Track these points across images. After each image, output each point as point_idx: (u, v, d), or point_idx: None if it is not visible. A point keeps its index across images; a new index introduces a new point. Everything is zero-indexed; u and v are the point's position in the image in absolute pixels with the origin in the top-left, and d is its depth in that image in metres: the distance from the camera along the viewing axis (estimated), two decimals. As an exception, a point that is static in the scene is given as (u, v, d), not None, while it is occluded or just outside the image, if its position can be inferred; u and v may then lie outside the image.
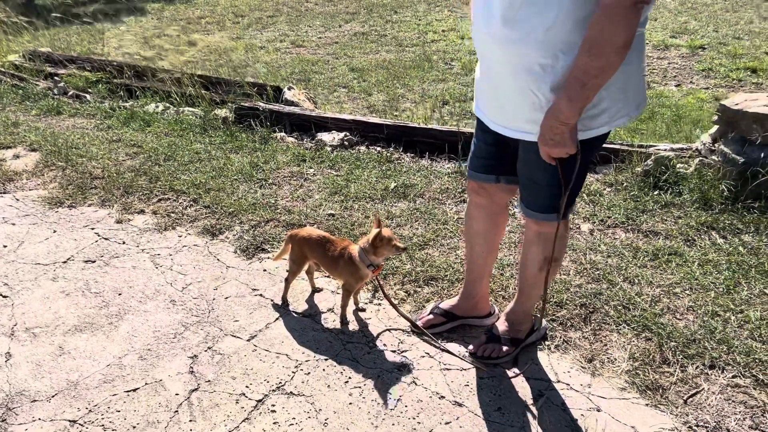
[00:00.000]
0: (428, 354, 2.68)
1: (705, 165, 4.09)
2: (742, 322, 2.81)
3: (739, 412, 2.37)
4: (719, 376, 2.53)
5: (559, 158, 2.10)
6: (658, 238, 3.50)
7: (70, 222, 3.76)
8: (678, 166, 4.20)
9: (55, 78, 6.58)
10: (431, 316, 2.84)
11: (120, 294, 3.08)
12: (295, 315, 2.94)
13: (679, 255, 3.33)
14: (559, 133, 1.99)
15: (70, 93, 6.24)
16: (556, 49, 1.92)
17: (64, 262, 3.34)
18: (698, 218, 3.66)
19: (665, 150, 4.39)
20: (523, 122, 2.12)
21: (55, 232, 3.65)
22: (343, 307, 2.86)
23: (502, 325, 2.70)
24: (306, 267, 2.99)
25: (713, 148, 4.20)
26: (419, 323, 2.81)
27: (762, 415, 2.35)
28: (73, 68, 6.76)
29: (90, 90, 6.32)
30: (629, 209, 3.79)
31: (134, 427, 2.31)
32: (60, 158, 4.60)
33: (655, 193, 3.97)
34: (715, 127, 4.27)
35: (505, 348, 2.64)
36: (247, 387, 2.50)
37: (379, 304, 3.01)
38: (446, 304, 2.87)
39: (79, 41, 9.67)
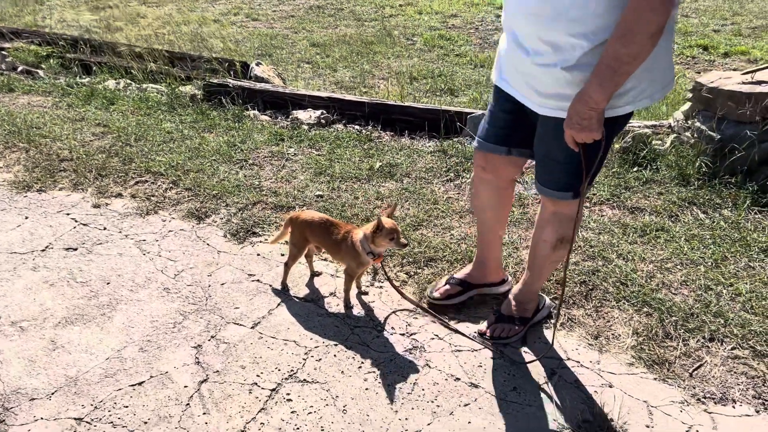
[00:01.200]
0: (437, 336, 2.67)
1: (681, 142, 4.20)
2: (733, 295, 2.91)
3: (742, 382, 2.45)
4: (719, 349, 2.61)
5: (582, 143, 2.10)
6: (644, 215, 3.58)
7: (41, 207, 3.54)
8: (654, 143, 4.30)
9: (3, 52, 6.16)
10: (448, 287, 2.85)
11: (108, 283, 2.93)
12: (297, 300, 2.87)
13: (665, 231, 3.42)
14: (587, 118, 1.97)
15: (20, 69, 5.86)
16: (587, 29, 1.89)
17: (43, 250, 3.16)
18: (679, 194, 3.76)
19: (640, 127, 4.48)
20: (546, 97, 2.10)
21: (27, 218, 3.43)
22: (346, 291, 2.81)
23: (510, 305, 2.71)
24: (306, 251, 2.92)
25: (687, 125, 4.30)
26: (436, 294, 2.83)
27: (763, 384, 2.44)
28: (21, 42, 6.34)
29: (42, 65, 5.94)
30: (612, 186, 3.86)
31: (145, 423, 2.22)
32: (21, 139, 4.31)
33: (635, 170, 4.05)
34: (688, 104, 4.38)
35: (514, 327, 2.66)
36: (258, 376, 2.43)
37: (381, 287, 2.97)
38: (461, 273, 2.89)
39: (18, 12, 9.08)
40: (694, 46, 8.25)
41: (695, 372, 2.51)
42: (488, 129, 2.49)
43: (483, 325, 2.70)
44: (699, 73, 7.04)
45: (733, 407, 2.35)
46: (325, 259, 3.12)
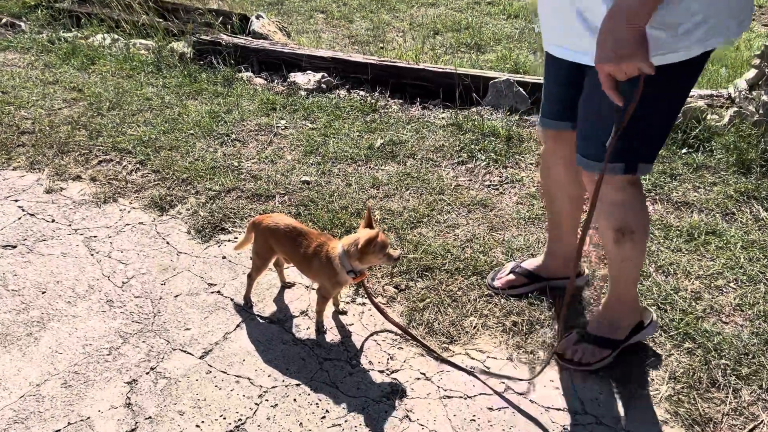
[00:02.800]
0: (424, 375, 2.17)
1: (742, 118, 3.51)
2: (802, 327, 2.32)
3: (810, 455, 1.91)
4: (781, 404, 2.06)
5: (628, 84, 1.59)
6: (692, 212, 2.97)
7: (-11, 191, 3.11)
8: (709, 118, 3.62)
9: (-14, 2, 5.70)
10: (512, 276, 2.50)
11: (44, 292, 2.50)
12: (261, 320, 2.39)
13: (717, 235, 2.81)
14: (625, 40, 1.48)
15: (3, 21, 5.38)
16: None
17: (-22, 247, 2.74)
18: (737, 185, 3.12)
19: (693, 98, 3.78)
20: (587, 39, 1.66)
21: (-31, 205, 3.01)
22: (319, 312, 2.32)
23: (597, 323, 2.23)
24: (273, 260, 2.42)
25: (750, 96, 3.60)
26: (497, 283, 2.50)
27: (838, 459, 1.89)
28: (8, -10, 5.85)
29: (27, 17, 5.45)
30: (656, 174, 3.23)
31: (50, 491, 1.80)
32: (-18, 107, 3.88)
33: (684, 152, 3.40)
34: (754, 71, 3.67)
35: (597, 351, 2.18)
36: (197, 427, 1.98)
37: (364, 304, 2.47)
38: (529, 263, 2.53)
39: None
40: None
41: (748, 437, 1.97)
42: (547, 106, 2.20)
43: (561, 345, 2.21)
44: None
45: (797, 492, 1.82)
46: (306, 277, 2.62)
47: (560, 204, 2.36)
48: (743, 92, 3.66)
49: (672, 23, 1.54)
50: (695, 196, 3.09)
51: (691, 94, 3.89)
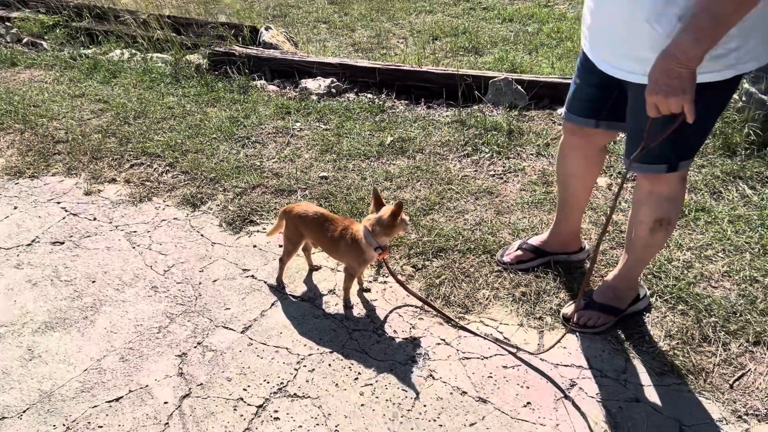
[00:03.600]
0: (444, 340, 2.41)
1: (728, 106, 3.76)
2: (784, 289, 2.57)
3: (792, 396, 2.15)
4: (765, 354, 2.30)
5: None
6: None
7: (32, 195, 3.36)
8: (696, 107, 3.87)
9: (7, 24, 5.97)
10: (519, 252, 2.75)
11: (94, 281, 2.75)
12: (293, 299, 2.64)
13: (706, 211, 3.06)
14: (677, 78, 1.66)
15: (25, 40, 5.65)
16: None
17: (29, 244, 2.98)
18: (723, 167, 3.37)
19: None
20: (636, 61, 1.84)
21: (16, 208, 3.26)
22: (346, 290, 2.56)
23: (604, 292, 2.46)
24: (302, 245, 2.67)
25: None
26: (507, 258, 2.74)
27: (817, 398, 2.13)
28: (27, 11, 6.13)
29: (46, 36, 5.73)
30: (648, 159, 3.48)
31: (120, 446, 2.04)
32: (17, 119, 4.12)
33: (674, 138, 3.65)
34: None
35: (602, 317, 2.42)
36: (244, 390, 2.22)
37: (385, 282, 2.72)
38: (535, 240, 2.77)
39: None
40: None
41: (736, 383, 2.21)
42: (573, 102, 2.33)
43: (568, 309, 2.47)
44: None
45: (781, 426, 2.05)
46: (334, 259, 2.87)
47: (572, 190, 2.59)
48: (727, 82, 3.91)
49: (712, 52, 1.69)
50: (685, 177, 3.33)
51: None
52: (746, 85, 3.67)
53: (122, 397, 2.21)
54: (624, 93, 2.06)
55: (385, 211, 2.33)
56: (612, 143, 3.52)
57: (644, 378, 2.24)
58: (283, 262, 2.67)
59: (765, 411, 2.11)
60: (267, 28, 5.32)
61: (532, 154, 3.63)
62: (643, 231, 2.26)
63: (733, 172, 3.33)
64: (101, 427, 2.10)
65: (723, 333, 2.38)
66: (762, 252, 2.77)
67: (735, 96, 3.77)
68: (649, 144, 1.92)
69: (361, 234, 2.38)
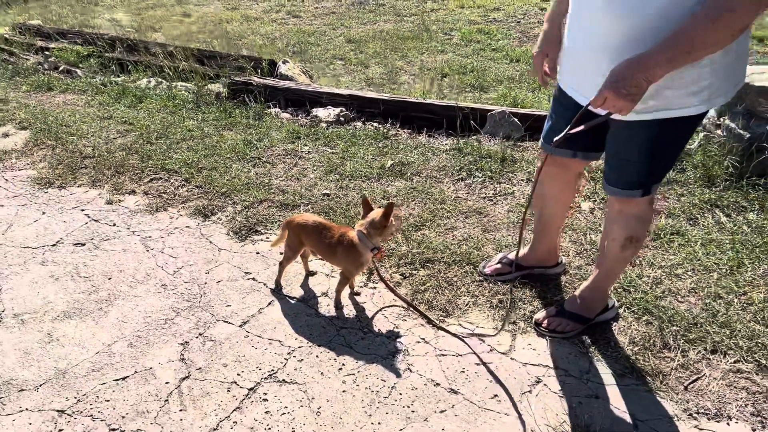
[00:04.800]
0: (423, 339, 2.63)
1: (710, 140, 3.99)
2: (745, 305, 2.74)
3: (741, 398, 2.31)
4: (721, 361, 2.47)
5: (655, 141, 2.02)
6: (660, 217, 3.42)
7: (59, 203, 3.68)
8: (682, 141, 4.10)
9: (46, 53, 6.43)
10: (499, 265, 2.96)
11: (110, 278, 3.02)
12: (289, 299, 2.88)
13: (681, 234, 3.26)
14: (636, 87, 1.79)
15: (61, 68, 6.10)
16: (673, 21, 1.77)
17: (54, 245, 3.28)
18: (702, 196, 3.57)
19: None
20: None
21: (44, 213, 3.57)
22: (338, 292, 2.80)
23: (574, 301, 2.66)
24: (302, 252, 2.92)
25: (719, 122, 4.08)
26: (487, 270, 2.96)
27: (764, 401, 2.30)
28: (65, 42, 6.60)
29: (81, 65, 6.17)
30: (631, 187, 3.70)
31: (123, 417, 2.27)
32: (50, 137, 4.49)
33: (658, 169, 3.87)
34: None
35: (571, 324, 2.62)
36: (238, 375, 2.45)
37: (375, 287, 2.95)
38: (514, 255, 2.93)
39: (71, 13, 9.46)
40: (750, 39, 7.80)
41: (691, 385, 2.38)
42: (550, 133, 2.45)
43: (540, 315, 2.68)
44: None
45: (728, 424, 2.22)
46: (322, 259, 3.11)
47: (550, 211, 2.79)
48: (712, 119, 4.14)
49: (687, 86, 1.88)
50: (664, 204, 3.55)
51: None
52: (727, 121, 3.90)
53: (128, 376, 2.45)
54: (600, 124, 2.22)
55: (377, 213, 2.58)
56: (589, 169, 3.75)
57: (605, 378, 2.42)
58: (282, 266, 2.92)
59: (715, 410, 2.28)
60: (284, 62, 5.69)
61: (522, 180, 3.87)
62: (614, 247, 2.45)
63: (711, 201, 3.53)
64: (108, 401, 2.34)
65: (683, 341, 2.57)
66: (729, 272, 2.96)
67: (719, 132, 3.99)
68: (570, 130, 2.11)
69: (356, 238, 2.62)
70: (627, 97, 1.82)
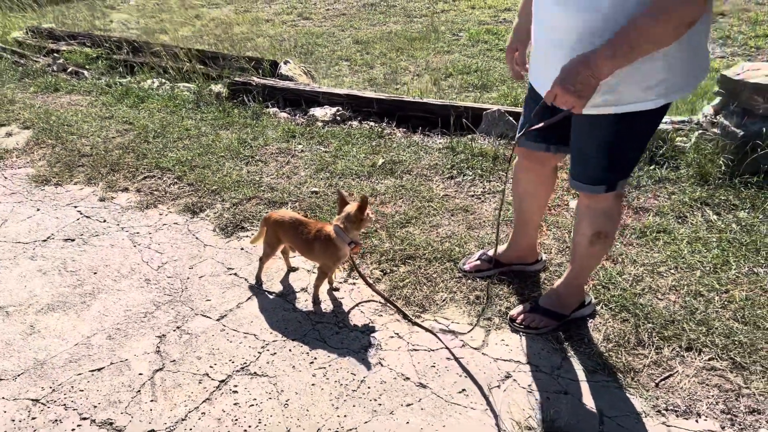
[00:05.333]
0: (397, 334, 2.64)
1: (705, 139, 3.94)
2: (725, 303, 2.71)
3: (712, 395, 2.29)
4: (695, 359, 2.44)
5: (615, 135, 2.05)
6: (648, 215, 3.39)
7: (54, 200, 3.76)
8: (677, 140, 4.06)
9: (55, 55, 6.57)
10: (478, 262, 2.95)
11: (95, 273, 3.08)
12: (268, 295, 2.91)
13: (668, 232, 3.22)
14: (584, 84, 1.83)
15: (69, 69, 6.23)
16: (628, 17, 1.78)
17: (44, 240, 3.35)
18: (692, 194, 3.53)
19: (664, 123, 4.23)
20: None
21: (38, 210, 3.65)
22: (316, 287, 2.82)
23: (550, 298, 2.67)
24: (280, 249, 2.95)
25: (714, 120, 4.03)
26: (466, 267, 2.95)
27: (736, 399, 2.27)
28: (75, 44, 6.74)
29: (88, 66, 6.29)
30: (621, 185, 3.67)
31: (95, 407, 2.32)
32: (51, 136, 4.60)
33: (651, 168, 3.84)
34: (718, 99, 4.10)
35: (545, 320, 2.62)
36: (211, 367, 2.49)
37: (354, 283, 2.97)
38: (493, 251, 2.94)
39: (86, 17, 9.64)
40: (762, 36, 7.69)
41: (662, 382, 2.36)
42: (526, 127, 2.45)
43: (515, 311, 2.69)
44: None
45: (696, 421, 2.20)
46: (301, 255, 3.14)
47: (527, 207, 2.79)
48: (708, 117, 4.08)
49: (641, 81, 1.93)
50: (654, 202, 3.51)
51: (664, 120, 4.34)
52: (721, 119, 3.85)
53: (104, 367, 2.50)
54: (569, 120, 2.23)
55: (352, 207, 2.60)
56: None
57: (576, 375, 2.41)
58: (262, 262, 2.95)
59: (684, 407, 2.25)
60: (286, 62, 5.75)
61: (512, 178, 3.85)
62: (583, 242, 2.45)
63: (701, 199, 3.49)
64: (82, 390, 2.39)
65: (658, 338, 2.54)
66: (712, 270, 2.92)
67: (714, 130, 3.94)
68: (532, 124, 2.15)
69: (333, 233, 2.64)
70: (575, 93, 1.85)
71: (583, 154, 2.23)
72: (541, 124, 2.13)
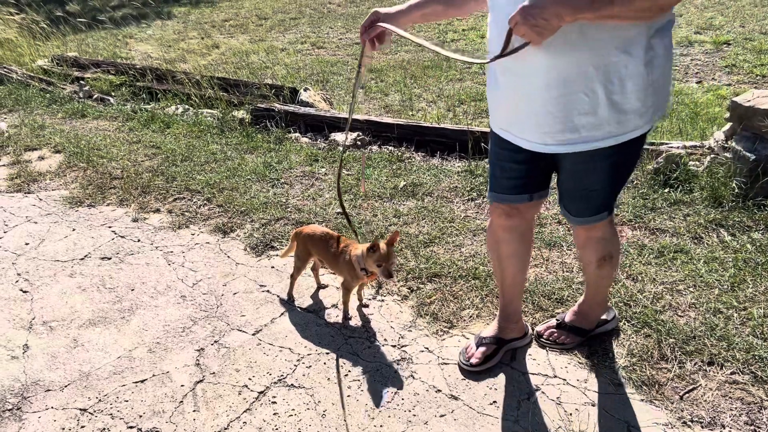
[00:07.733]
0: (427, 349, 2.74)
1: (717, 162, 4.06)
2: (744, 319, 2.80)
3: (736, 408, 2.37)
4: (717, 373, 2.53)
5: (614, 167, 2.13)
6: (665, 236, 3.50)
7: (88, 221, 3.89)
8: (690, 164, 4.18)
9: (81, 82, 6.78)
10: (484, 348, 2.63)
11: (133, 289, 3.20)
12: (300, 310, 3.02)
13: (684, 252, 3.32)
14: (545, 20, 1.72)
15: (95, 96, 6.43)
16: (611, 47, 1.86)
17: (82, 258, 3.48)
18: (707, 216, 3.64)
19: (677, 148, 4.36)
20: (568, 132, 2.02)
21: (74, 230, 3.79)
22: (345, 303, 2.93)
23: (572, 315, 2.74)
24: (311, 264, 3.06)
25: (726, 145, 4.16)
26: (474, 360, 2.58)
27: (758, 411, 2.35)
28: (99, 72, 6.95)
29: (113, 93, 6.49)
30: (637, 207, 3.79)
31: (140, 416, 2.41)
32: (82, 159, 4.76)
33: (665, 191, 3.95)
34: (729, 125, 4.23)
35: (571, 336, 2.71)
36: (249, 379, 2.58)
37: (382, 300, 3.07)
38: (490, 331, 2.69)
39: (107, 45, 9.91)
40: (767, 64, 7.86)
41: (686, 395, 2.45)
42: (502, 182, 2.36)
43: (542, 326, 2.77)
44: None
45: (721, 432, 2.28)
46: (333, 273, 3.25)
47: (512, 273, 2.60)
48: (720, 142, 4.22)
49: (639, 109, 1.98)
50: (670, 224, 3.62)
51: (675, 144, 4.48)
52: (734, 144, 3.98)
53: (146, 379, 2.60)
54: (551, 159, 2.22)
55: (383, 240, 2.65)
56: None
57: (602, 387, 2.50)
58: (293, 277, 3.07)
59: (709, 419, 2.33)
60: (305, 89, 5.93)
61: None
62: (591, 269, 2.54)
63: (716, 221, 3.59)
64: (127, 401, 2.49)
65: (680, 353, 2.63)
66: (730, 288, 3.02)
67: (726, 155, 4.07)
68: (503, 54, 1.91)
69: (355, 254, 2.75)
70: (535, 28, 1.74)
71: (583, 191, 2.26)
72: (500, 54, 1.91)
